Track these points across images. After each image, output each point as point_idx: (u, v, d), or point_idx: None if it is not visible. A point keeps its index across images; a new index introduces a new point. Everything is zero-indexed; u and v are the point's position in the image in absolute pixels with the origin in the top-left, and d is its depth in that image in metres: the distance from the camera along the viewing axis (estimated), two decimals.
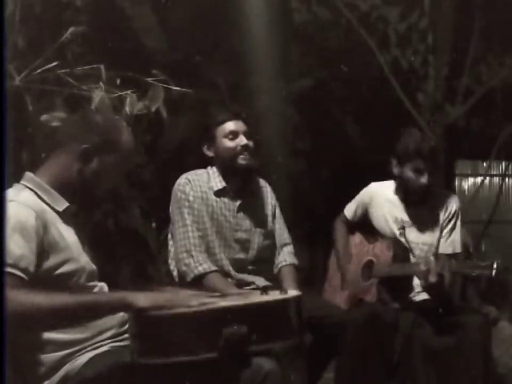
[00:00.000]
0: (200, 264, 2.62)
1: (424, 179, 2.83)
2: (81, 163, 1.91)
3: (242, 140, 2.70)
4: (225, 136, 2.71)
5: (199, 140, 2.83)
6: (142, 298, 1.77)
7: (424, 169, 2.83)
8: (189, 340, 1.77)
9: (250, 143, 2.72)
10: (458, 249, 2.96)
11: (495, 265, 2.54)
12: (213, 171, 2.78)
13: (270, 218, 2.87)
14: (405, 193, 2.96)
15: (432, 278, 2.65)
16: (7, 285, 1.65)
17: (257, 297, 2.01)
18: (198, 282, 2.59)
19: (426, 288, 2.76)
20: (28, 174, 1.92)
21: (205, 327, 1.78)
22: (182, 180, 2.75)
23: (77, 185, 1.93)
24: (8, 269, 1.69)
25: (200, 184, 2.74)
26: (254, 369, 1.85)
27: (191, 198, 2.70)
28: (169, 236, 2.81)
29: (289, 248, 2.88)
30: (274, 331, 1.87)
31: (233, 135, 2.71)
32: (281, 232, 2.89)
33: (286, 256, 2.85)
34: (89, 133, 1.93)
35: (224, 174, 2.76)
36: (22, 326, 1.73)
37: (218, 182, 2.76)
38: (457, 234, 2.96)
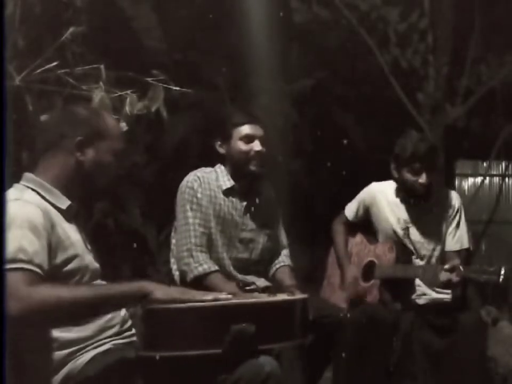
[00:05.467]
0: (201, 265, 2.61)
1: (422, 179, 2.84)
2: (78, 156, 1.92)
3: (257, 145, 2.69)
4: (241, 139, 2.70)
5: (212, 135, 2.82)
6: (159, 290, 1.79)
7: (421, 169, 2.83)
8: (196, 334, 1.77)
9: (264, 150, 2.71)
10: (466, 244, 2.98)
11: (502, 271, 2.54)
12: (221, 170, 2.78)
13: (273, 220, 2.88)
14: (406, 193, 2.96)
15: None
16: (24, 282, 1.66)
17: (267, 297, 2.02)
18: (199, 282, 2.58)
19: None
20: (28, 175, 1.92)
21: (213, 322, 1.79)
22: (190, 176, 2.74)
23: (78, 180, 1.93)
24: (25, 266, 1.69)
25: (209, 182, 2.73)
26: (255, 369, 1.86)
27: (199, 195, 2.69)
28: (173, 233, 2.80)
29: (286, 252, 2.90)
30: (282, 331, 1.88)
31: (249, 138, 2.70)
32: (281, 234, 2.91)
33: (283, 258, 2.86)
34: (78, 126, 1.94)
35: (233, 174, 2.76)
36: (46, 321, 1.74)
37: (227, 181, 2.75)
38: (463, 230, 2.98)
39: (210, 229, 2.69)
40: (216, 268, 2.64)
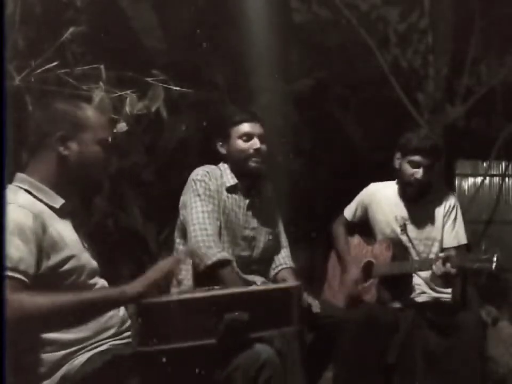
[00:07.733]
0: (223, 250, 2.61)
1: (418, 174, 2.86)
2: (62, 151, 1.91)
3: (256, 143, 2.71)
4: (240, 137, 2.72)
5: (213, 136, 2.83)
6: (132, 286, 1.77)
7: (421, 164, 2.86)
8: (190, 325, 1.78)
9: (264, 147, 2.72)
10: (463, 240, 3.00)
11: (495, 258, 2.56)
12: (224, 167, 2.79)
13: (275, 219, 2.87)
14: (403, 188, 2.99)
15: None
16: (7, 288, 1.65)
17: (259, 286, 2.02)
18: (213, 269, 2.55)
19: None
20: (20, 175, 1.92)
21: (205, 313, 1.80)
22: (199, 171, 2.74)
23: (67, 175, 1.93)
24: (8, 273, 1.69)
25: (216, 177, 2.75)
26: (252, 357, 1.86)
27: (212, 188, 2.70)
28: (176, 234, 2.79)
29: (286, 252, 2.89)
30: (275, 318, 1.90)
31: (248, 137, 2.71)
32: (281, 234, 2.90)
33: (285, 259, 2.86)
34: (57, 122, 1.93)
35: (235, 172, 2.77)
36: (26, 329, 1.73)
37: (230, 179, 2.77)
38: (460, 226, 3.00)
39: (220, 223, 2.69)
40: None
